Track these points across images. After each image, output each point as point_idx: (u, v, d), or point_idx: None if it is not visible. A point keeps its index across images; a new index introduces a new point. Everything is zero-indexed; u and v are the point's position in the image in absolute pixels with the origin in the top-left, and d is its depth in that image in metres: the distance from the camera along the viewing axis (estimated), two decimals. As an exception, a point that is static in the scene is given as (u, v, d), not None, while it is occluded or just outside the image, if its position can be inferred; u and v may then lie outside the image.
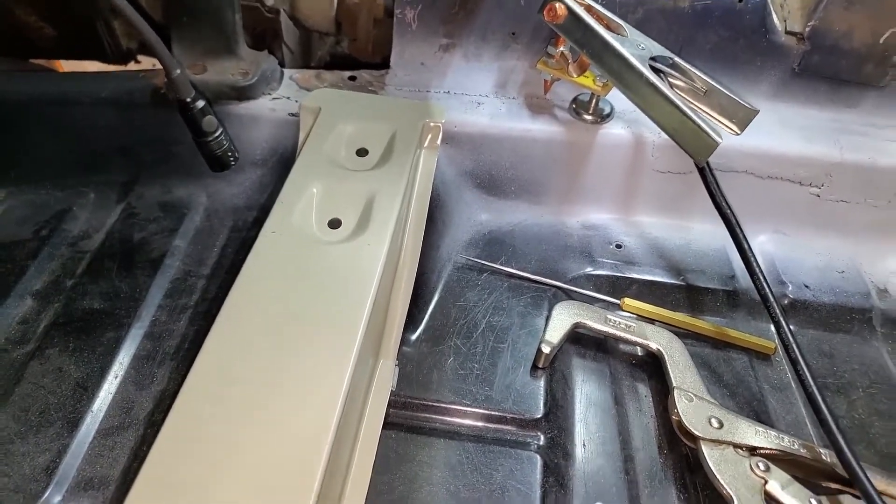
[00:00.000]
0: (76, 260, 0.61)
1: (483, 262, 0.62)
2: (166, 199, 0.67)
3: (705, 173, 0.58)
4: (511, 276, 0.62)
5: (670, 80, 0.59)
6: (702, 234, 0.67)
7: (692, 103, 0.57)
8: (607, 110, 0.66)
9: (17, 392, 0.51)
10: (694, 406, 0.51)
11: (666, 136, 0.63)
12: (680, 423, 0.51)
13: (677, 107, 0.55)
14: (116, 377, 0.52)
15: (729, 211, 0.56)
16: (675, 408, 0.51)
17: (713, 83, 0.57)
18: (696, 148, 0.56)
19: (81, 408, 0.50)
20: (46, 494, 0.45)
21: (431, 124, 0.62)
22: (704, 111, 0.59)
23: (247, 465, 0.38)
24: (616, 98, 0.65)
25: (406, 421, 0.51)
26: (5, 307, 0.57)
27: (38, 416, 0.49)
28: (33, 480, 0.46)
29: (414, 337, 0.56)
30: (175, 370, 0.53)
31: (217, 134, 0.54)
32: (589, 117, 0.65)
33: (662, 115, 0.56)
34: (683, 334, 0.57)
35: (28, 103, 0.65)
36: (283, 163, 0.66)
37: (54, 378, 0.52)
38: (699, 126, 0.53)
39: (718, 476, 0.47)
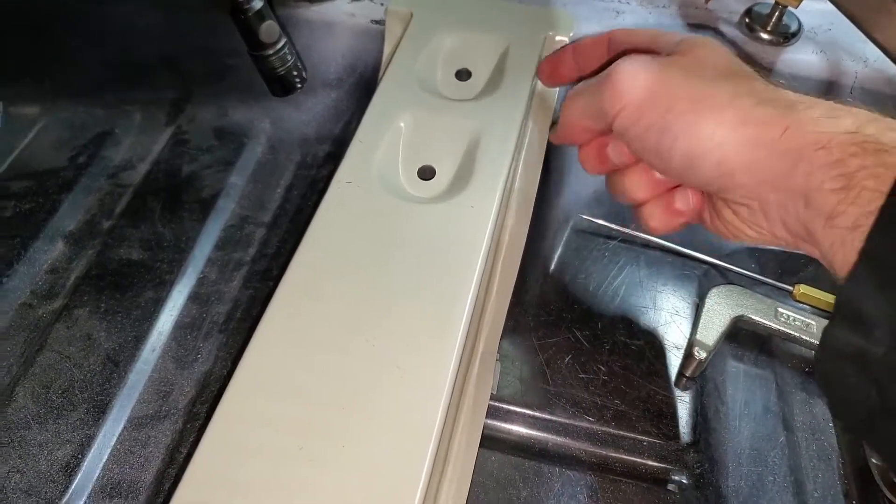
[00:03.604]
0: (116, 196, 0.51)
1: (612, 225, 0.48)
2: (222, 124, 0.55)
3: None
4: (648, 245, 0.48)
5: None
6: (904, 200, 0.51)
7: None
8: (793, 27, 0.49)
9: (38, 362, 0.42)
10: (902, 447, 0.37)
11: (878, 66, 0.47)
12: (885, 471, 0.37)
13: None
14: (154, 350, 0.42)
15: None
16: (877, 449, 0.38)
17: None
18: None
19: (111, 388, 0.41)
20: (64, 500, 0.37)
21: (556, 38, 0.47)
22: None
23: (310, 501, 0.28)
24: (804, 11, 0.48)
25: (507, 437, 0.40)
26: (34, 251, 0.47)
27: (60, 396, 0.40)
28: (50, 481, 0.37)
29: (519, 324, 0.44)
30: (223, 346, 0.43)
31: (279, 46, 0.41)
32: (767, 36, 0.49)
33: (892, 31, 0.40)
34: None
35: (61, 1, 0.54)
36: (363, 84, 0.53)
37: (82, 347, 0.43)
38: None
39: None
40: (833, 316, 0.23)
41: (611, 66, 0.30)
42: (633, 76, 0.29)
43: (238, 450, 0.29)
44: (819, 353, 0.24)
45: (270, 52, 0.40)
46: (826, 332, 0.23)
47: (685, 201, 0.33)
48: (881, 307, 0.21)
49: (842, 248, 0.23)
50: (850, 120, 0.24)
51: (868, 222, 0.22)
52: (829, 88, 0.48)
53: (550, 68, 0.38)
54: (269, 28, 0.40)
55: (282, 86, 0.42)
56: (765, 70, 0.49)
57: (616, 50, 0.34)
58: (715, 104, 0.26)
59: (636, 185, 0.33)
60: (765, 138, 0.25)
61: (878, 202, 0.22)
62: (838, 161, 0.23)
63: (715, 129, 0.26)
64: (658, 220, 0.34)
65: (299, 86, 0.42)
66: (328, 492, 0.28)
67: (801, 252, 0.28)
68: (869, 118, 0.24)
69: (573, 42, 0.36)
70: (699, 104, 0.27)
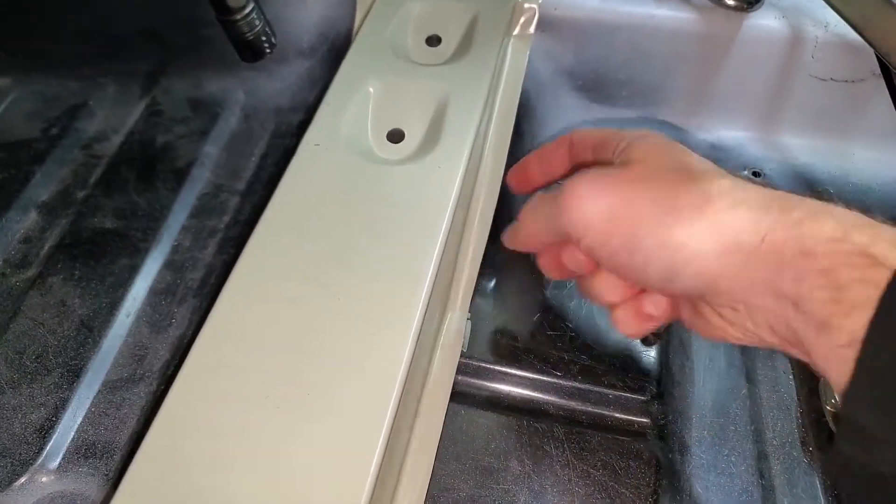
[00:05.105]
0: (90, 167, 0.51)
1: (581, 189, 0.49)
2: (197, 95, 0.55)
3: (893, 77, 0.43)
4: (616, 208, 0.48)
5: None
6: (866, 163, 0.52)
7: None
8: (757, -7, 0.50)
9: (11, 329, 0.42)
10: (858, 396, 0.39)
11: (838, 31, 0.48)
12: (838, 417, 0.38)
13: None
14: (128, 316, 0.43)
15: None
16: (833, 397, 0.39)
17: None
18: (893, 43, 0.40)
19: (85, 353, 0.41)
20: (39, 461, 0.37)
21: (525, 5, 0.48)
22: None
23: (277, 448, 0.29)
24: (769, -24, 0.49)
25: (478, 392, 0.41)
26: (6, 221, 0.48)
27: (34, 361, 0.41)
28: (24, 443, 0.38)
29: (491, 285, 0.45)
30: (197, 311, 0.43)
31: (247, 10, 0.41)
32: (732, 2, 0.50)
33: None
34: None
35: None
36: (335, 52, 0.53)
37: (56, 314, 0.43)
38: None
39: (893, 496, 0.35)
40: (838, 429, 0.22)
41: (563, 186, 0.27)
42: (590, 201, 0.26)
43: (207, 397, 0.30)
44: (828, 462, 0.22)
45: (238, 16, 0.41)
46: (835, 443, 0.22)
47: (656, 306, 0.30)
48: (883, 427, 0.20)
49: (836, 361, 0.22)
50: (832, 224, 0.23)
51: (861, 336, 0.21)
52: (790, 49, 0.49)
53: (518, 177, 0.35)
54: (236, -8, 0.40)
55: (251, 51, 0.42)
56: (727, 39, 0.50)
57: (576, 155, 0.32)
58: (682, 217, 0.25)
59: (604, 290, 0.31)
60: (744, 246, 0.24)
61: (870, 314, 0.21)
62: (827, 270, 0.22)
63: (687, 242, 0.24)
64: (629, 327, 0.32)
65: (268, 51, 0.42)
66: (294, 437, 0.29)
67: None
68: (854, 222, 0.22)
69: (537, 150, 0.33)
70: (666, 218, 0.25)
